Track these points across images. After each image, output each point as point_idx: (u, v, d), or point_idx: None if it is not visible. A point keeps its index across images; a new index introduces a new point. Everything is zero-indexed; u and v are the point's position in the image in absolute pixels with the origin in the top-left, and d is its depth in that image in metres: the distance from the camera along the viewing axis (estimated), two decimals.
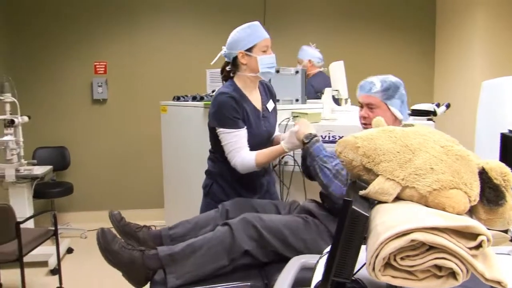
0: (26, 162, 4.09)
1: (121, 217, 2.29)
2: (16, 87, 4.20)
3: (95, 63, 5.23)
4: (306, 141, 2.25)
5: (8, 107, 4.07)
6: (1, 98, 4.04)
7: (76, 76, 5.22)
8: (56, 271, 3.75)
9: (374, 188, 1.17)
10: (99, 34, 5.21)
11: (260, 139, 2.56)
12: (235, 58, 2.49)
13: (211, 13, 5.35)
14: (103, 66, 5.23)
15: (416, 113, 3.15)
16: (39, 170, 4.13)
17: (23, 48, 5.11)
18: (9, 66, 4.91)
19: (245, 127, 2.46)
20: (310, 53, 4.85)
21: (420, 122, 2.98)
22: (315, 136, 2.27)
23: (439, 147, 1.20)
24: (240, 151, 2.42)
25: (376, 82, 2.29)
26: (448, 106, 3.24)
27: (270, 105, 2.67)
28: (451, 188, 1.12)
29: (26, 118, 4.15)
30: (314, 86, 4.61)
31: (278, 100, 2.90)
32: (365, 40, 5.62)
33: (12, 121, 3.98)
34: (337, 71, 3.70)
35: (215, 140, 2.55)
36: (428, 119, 3.13)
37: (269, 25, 5.38)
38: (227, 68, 2.58)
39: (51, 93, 5.21)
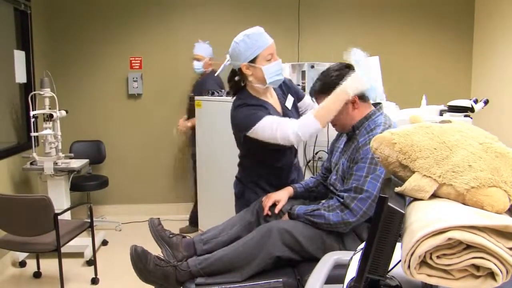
0: (63, 155, 4.17)
1: (159, 223, 2.34)
2: (55, 82, 4.30)
3: (131, 58, 5.30)
4: (289, 212, 2.25)
5: (47, 102, 4.17)
6: (41, 93, 4.14)
7: (112, 71, 5.31)
8: (91, 262, 3.84)
9: (410, 185, 1.16)
10: (135, 30, 5.28)
11: None
12: (241, 69, 2.40)
13: (245, 7, 5.35)
14: (139, 61, 5.30)
15: (453, 109, 3.08)
16: (76, 163, 4.22)
17: (62, 45, 5.22)
18: (48, 62, 5.03)
19: (268, 114, 2.33)
20: (210, 51, 4.79)
21: (457, 119, 2.91)
22: (292, 206, 2.27)
23: (477, 144, 1.18)
24: (287, 124, 2.25)
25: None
26: (486, 102, 3.15)
27: (289, 101, 2.59)
28: (490, 186, 1.10)
29: (64, 113, 4.24)
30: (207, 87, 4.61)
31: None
32: (400, 34, 5.52)
33: (51, 116, 4.07)
34: (373, 66, 3.64)
35: (242, 144, 2.54)
36: (465, 116, 3.06)
37: (304, 19, 5.39)
38: (236, 78, 2.48)
39: (88, 88, 5.31)
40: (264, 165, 2.52)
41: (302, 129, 2.21)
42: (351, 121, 2.21)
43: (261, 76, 2.37)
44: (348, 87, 2.12)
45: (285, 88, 2.61)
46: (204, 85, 4.59)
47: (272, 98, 2.54)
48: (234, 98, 2.53)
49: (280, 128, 2.24)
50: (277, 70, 2.38)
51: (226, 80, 2.57)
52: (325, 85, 2.19)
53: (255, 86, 2.43)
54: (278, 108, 2.53)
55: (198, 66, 4.73)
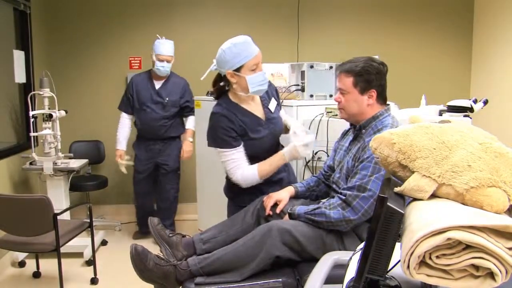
0: (63, 155, 4.16)
1: (159, 222, 2.35)
2: (54, 82, 4.29)
3: (130, 58, 5.29)
4: (290, 213, 2.25)
5: (46, 102, 4.16)
6: (40, 93, 4.13)
7: (111, 71, 5.30)
8: (91, 262, 3.83)
9: (410, 185, 1.16)
10: (134, 30, 5.26)
11: (267, 144, 2.56)
12: (225, 75, 2.45)
13: (245, 7, 5.34)
14: (138, 61, 5.29)
15: (452, 109, 3.08)
16: (75, 163, 4.21)
17: (61, 44, 5.21)
18: (48, 62, 5.03)
19: (241, 144, 2.47)
20: (173, 49, 4.41)
21: (457, 119, 2.91)
22: (292, 206, 2.28)
23: (477, 144, 1.18)
24: (240, 167, 2.45)
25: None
26: (486, 102, 3.15)
27: (272, 104, 2.63)
28: (489, 186, 1.10)
29: (63, 113, 4.23)
30: (188, 87, 4.57)
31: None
32: (399, 34, 5.52)
33: (51, 116, 4.06)
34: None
35: None
36: (465, 116, 3.06)
37: (303, 19, 5.39)
38: (221, 84, 2.53)
39: (87, 88, 5.30)
40: (251, 162, 2.54)
41: (245, 180, 2.47)
42: (359, 115, 2.22)
43: (244, 85, 2.41)
44: (285, 154, 2.45)
45: (270, 91, 2.64)
46: (184, 86, 4.55)
47: (253, 103, 2.58)
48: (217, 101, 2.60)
49: (233, 169, 2.47)
50: (260, 81, 2.42)
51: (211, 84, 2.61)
52: (349, 69, 2.20)
53: (238, 93, 2.48)
54: (260, 112, 2.57)
55: (168, 67, 4.39)
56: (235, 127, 2.44)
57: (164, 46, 4.33)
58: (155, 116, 4.46)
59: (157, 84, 4.50)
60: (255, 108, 2.56)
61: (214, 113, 2.48)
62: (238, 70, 2.38)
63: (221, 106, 2.49)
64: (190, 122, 4.58)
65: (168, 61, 4.37)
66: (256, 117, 2.54)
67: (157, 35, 4.47)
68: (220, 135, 2.44)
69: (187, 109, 4.57)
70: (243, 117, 2.48)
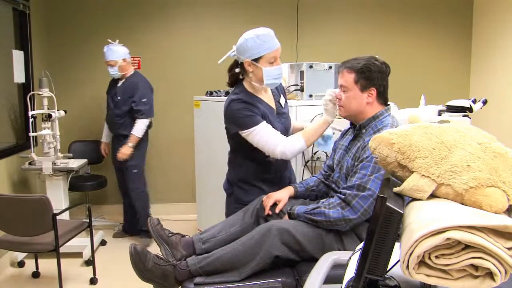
0: (62, 155, 4.16)
1: (158, 222, 2.35)
2: (53, 82, 4.29)
3: None
4: (289, 213, 2.26)
5: (46, 102, 4.16)
6: (40, 93, 4.13)
7: None
8: (90, 262, 3.83)
9: (409, 185, 1.16)
10: (133, 29, 5.26)
11: None
12: (242, 63, 2.47)
13: (245, 7, 5.34)
14: (137, 61, 5.29)
15: (451, 109, 3.08)
16: (74, 163, 4.21)
17: (61, 45, 5.20)
18: (47, 62, 5.03)
19: (264, 121, 2.43)
20: (123, 51, 4.47)
21: (456, 119, 2.91)
22: (292, 206, 2.28)
23: (476, 144, 1.18)
24: (279, 140, 2.39)
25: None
26: (485, 102, 3.15)
27: (282, 99, 2.66)
28: (488, 186, 1.10)
29: (62, 113, 4.23)
30: (139, 88, 4.45)
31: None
32: (398, 34, 5.52)
33: (50, 116, 4.06)
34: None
35: (234, 141, 2.58)
36: (464, 116, 3.06)
37: (302, 18, 5.39)
38: (236, 70, 2.54)
39: (86, 88, 5.29)
40: (253, 158, 2.54)
41: (289, 148, 2.39)
42: (359, 113, 2.24)
43: (260, 76, 2.43)
44: (329, 119, 2.43)
45: (279, 88, 2.68)
46: (136, 87, 4.45)
47: (266, 94, 2.60)
48: (231, 89, 2.61)
49: (270, 142, 2.39)
50: (277, 74, 2.45)
51: (227, 70, 2.61)
52: (352, 66, 2.22)
53: (252, 83, 2.49)
54: (272, 103, 2.60)
55: (113, 71, 4.42)
56: (257, 109, 2.45)
57: (105, 53, 4.42)
58: (111, 113, 4.59)
59: (119, 83, 4.59)
60: (268, 99, 2.59)
61: (234, 99, 2.47)
62: (256, 60, 2.41)
63: (237, 94, 2.50)
64: (135, 127, 4.45)
65: (111, 66, 4.42)
66: (271, 108, 2.57)
67: (108, 39, 4.52)
68: (245, 113, 2.42)
69: (134, 111, 4.47)
70: (260, 105, 2.49)
